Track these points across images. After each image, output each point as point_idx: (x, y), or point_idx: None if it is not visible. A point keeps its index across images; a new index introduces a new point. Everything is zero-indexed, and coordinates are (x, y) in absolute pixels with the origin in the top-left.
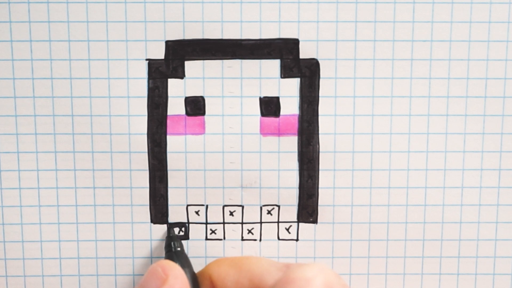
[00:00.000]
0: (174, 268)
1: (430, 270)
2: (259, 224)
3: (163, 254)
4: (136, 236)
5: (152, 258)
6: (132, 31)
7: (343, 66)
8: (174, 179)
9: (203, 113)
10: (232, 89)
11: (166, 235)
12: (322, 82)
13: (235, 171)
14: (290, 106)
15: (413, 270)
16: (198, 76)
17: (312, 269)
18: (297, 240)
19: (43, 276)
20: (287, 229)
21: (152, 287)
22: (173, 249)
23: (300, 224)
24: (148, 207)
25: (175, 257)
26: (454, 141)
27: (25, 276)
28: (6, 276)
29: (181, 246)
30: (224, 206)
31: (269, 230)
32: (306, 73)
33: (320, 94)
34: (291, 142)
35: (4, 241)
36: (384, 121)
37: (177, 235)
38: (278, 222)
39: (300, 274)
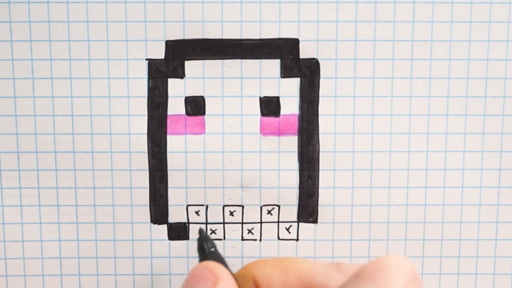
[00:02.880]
0: (222, 269)
1: (430, 270)
2: (259, 224)
3: (163, 254)
4: (136, 236)
5: (152, 258)
6: (132, 31)
7: (343, 66)
8: (174, 179)
9: (203, 113)
10: (232, 89)
11: (197, 236)
12: (322, 82)
13: (235, 171)
14: (290, 106)
15: None
16: (198, 76)
17: (401, 259)
18: (297, 240)
19: (43, 275)
20: (287, 229)
21: None
22: (206, 250)
23: (300, 224)
24: (148, 207)
25: (211, 259)
26: (454, 141)
27: (25, 275)
28: (6, 275)
29: (215, 246)
30: (224, 206)
31: (269, 230)
32: (306, 73)
33: (320, 94)
34: (291, 142)
35: (4, 241)
36: (384, 121)
37: (209, 236)
38: (278, 222)
39: (390, 262)
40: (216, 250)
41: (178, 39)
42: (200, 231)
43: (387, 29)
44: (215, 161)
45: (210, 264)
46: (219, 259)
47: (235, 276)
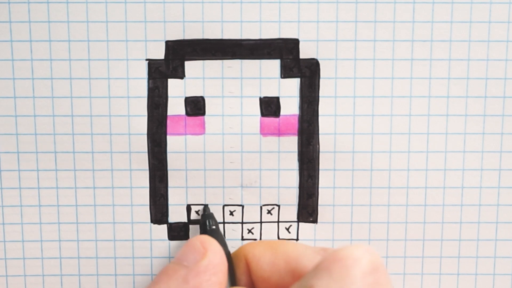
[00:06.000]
0: (213, 243)
1: (430, 270)
2: (259, 224)
3: (163, 254)
4: (136, 236)
5: (152, 258)
6: (132, 31)
7: (343, 66)
8: (174, 179)
9: (203, 113)
10: (232, 89)
11: (201, 213)
12: (322, 82)
13: (235, 170)
14: (290, 106)
15: (413, 270)
16: (198, 76)
17: (359, 249)
18: (297, 239)
19: (43, 275)
20: (287, 229)
21: (190, 260)
22: (208, 227)
23: (300, 223)
24: (148, 207)
25: (210, 235)
26: (454, 141)
27: (25, 275)
28: (6, 276)
29: (216, 224)
30: (224, 205)
31: (269, 230)
32: (306, 73)
33: (320, 94)
34: (291, 142)
35: (4, 241)
36: (384, 121)
37: (213, 214)
38: (278, 221)
39: (347, 253)
40: (217, 228)
41: (178, 39)
42: (205, 208)
43: (387, 29)
44: (215, 161)
45: (204, 237)
46: (218, 236)
47: (231, 256)
